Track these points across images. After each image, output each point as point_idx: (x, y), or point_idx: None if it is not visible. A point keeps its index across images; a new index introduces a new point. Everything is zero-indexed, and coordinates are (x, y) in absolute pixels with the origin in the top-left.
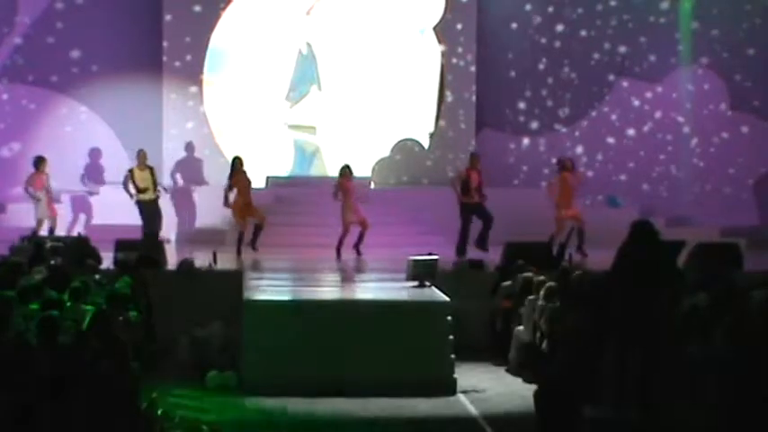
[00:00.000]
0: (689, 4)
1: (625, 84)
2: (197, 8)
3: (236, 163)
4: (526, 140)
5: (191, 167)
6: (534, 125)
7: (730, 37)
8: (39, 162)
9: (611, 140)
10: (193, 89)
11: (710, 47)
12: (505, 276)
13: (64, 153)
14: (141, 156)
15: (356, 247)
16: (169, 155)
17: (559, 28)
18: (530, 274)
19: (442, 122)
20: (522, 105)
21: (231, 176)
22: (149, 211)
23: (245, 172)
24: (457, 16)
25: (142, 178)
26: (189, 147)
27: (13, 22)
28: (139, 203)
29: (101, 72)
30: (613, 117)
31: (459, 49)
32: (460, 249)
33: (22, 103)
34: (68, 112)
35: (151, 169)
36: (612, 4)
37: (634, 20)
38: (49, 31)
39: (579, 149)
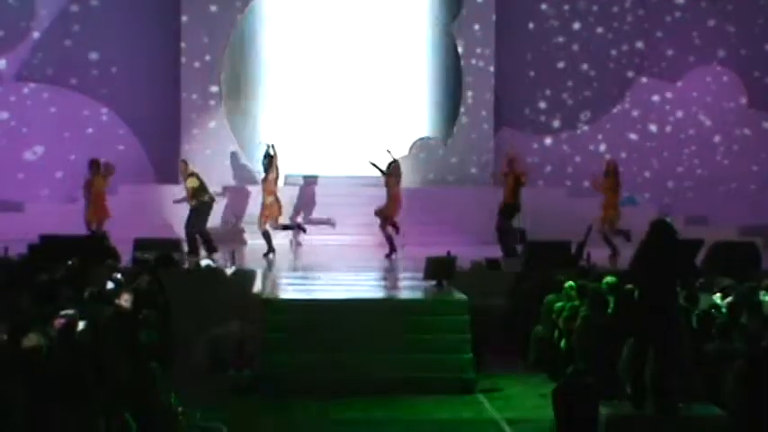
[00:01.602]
0: None
1: (644, 80)
2: (213, 8)
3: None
4: (549, 140)
5: (211, 166)
6: (556, 124)
7: (747, 33)
8: (90, 165)
9: (633, 138)
10: (214, 89)
11: (728, 43)
12: (525, 275)
13: (87, 155)
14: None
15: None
16: (190, 154)
17: (576, 26)
18: (549, 273)
19: (462, 122)
20: (542, 105)
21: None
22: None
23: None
24: (474, 17)
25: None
26: (209, 146)
27: (29, 27)
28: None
29: (120, 74)
30: (634, 114)
31: (478, 50)
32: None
33: (45, 106)
34: (90, 114)
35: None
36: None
37: (650, 16)
38: (65, 33)
39: (602, 147)
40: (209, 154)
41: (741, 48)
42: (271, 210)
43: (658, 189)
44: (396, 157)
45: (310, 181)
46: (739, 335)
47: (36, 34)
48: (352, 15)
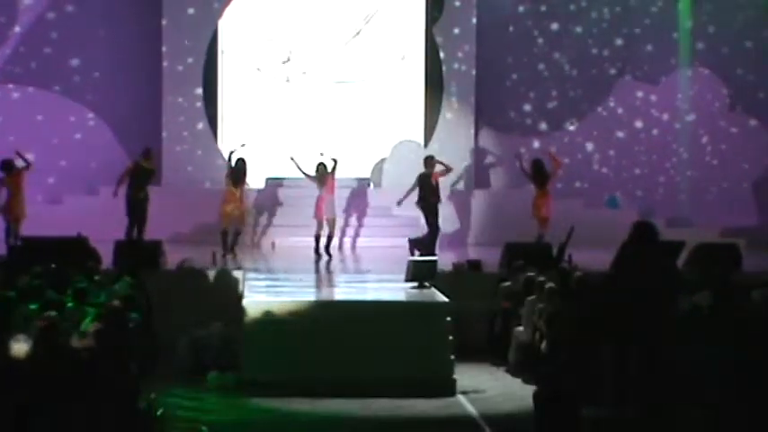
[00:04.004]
0: (685, 4)
1: (627, 79)
2: (191, 11)
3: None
4: (537, 143)
5: (191, 167)
6: (542, 126)
7: (727, 32)
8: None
9: (618, 139)
10: (198, 91)
11: (708, 43)
12: (506, 277)
13: (77, 160)
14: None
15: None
16: (181, 156)
17: (554, 26)
18: (531, 275)
19: (443, 125)
20: (527, 107)
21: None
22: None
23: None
24: (454, 19)
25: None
26: (191, 147)
27: (8, 35)
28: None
29: (102, 79)
30: (619, 115)
31: (459, 53)
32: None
33: (31, 113)
34: (76, 120)
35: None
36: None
37: (628, 13)
38: (44, 41)
39: (589, 147)
40: (201, 155)
41: (722, 46)
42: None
43: (646, 189)
44: (321, 160)
45: (291, 183)
46: (721, 336)
47: (15, 41)
48: (333, 17)
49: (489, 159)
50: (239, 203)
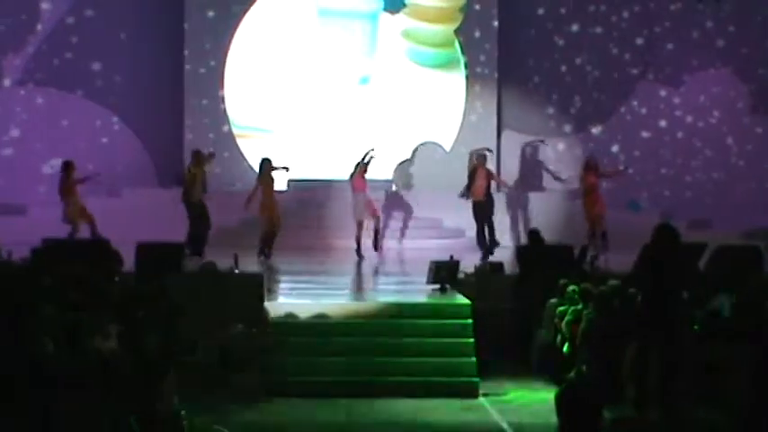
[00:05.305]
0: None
1: (649, 78)
2: (211, 13)
3: (265, 165)
4: (561, 145)
5: (219, 168)
6: (567, 128)
7: (747, 32)
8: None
9: (643, 139)
10: (221, 93)
11: (729, 43)
12: (528, 279)
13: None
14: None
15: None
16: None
17: (574, 28)
18: (552, 277)
19: (466, 127)
20: (550, 110)
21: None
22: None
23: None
24: (475, 23)
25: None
26: (218, 149)
27: (29, 38)
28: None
29: (124, 82)
30: (642, 116)
31: (482, 56)
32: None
33: (55, 118)
34: (102, 124)
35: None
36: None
37: (648, 13)
38: (65, 45)
39: (615, 149)
40: (228, 157)
41: (742, 47)
42: None
43: (672, 190)
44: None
45: (315, 185)
46: (743, 337)
47: (36, 45)
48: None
49: (520, 162)
50: (265, 207)
